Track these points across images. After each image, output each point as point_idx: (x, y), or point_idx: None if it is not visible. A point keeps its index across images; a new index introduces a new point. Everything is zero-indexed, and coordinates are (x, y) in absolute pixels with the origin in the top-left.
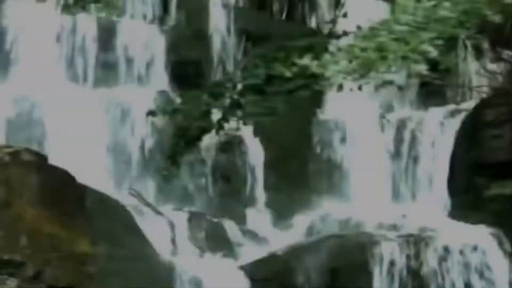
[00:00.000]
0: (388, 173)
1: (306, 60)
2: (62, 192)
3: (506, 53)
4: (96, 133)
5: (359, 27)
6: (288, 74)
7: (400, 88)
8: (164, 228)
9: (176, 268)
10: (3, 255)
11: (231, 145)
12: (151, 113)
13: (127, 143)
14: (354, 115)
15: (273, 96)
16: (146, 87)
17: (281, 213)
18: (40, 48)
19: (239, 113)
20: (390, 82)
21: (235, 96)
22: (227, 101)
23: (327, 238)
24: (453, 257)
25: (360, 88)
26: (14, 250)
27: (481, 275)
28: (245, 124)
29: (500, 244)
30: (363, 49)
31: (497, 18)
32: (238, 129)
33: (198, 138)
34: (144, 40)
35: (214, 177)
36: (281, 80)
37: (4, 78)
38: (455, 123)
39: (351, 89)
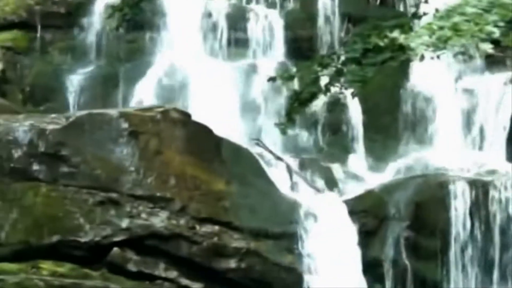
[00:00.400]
0: (461, 127)
1: (395, 33)
2: (203, 143)
3: None
4: (229, 96)
5: (436, 10)
6: (381, 43)
7: (470, 57)
8: (284, 171)
9: (295, 202)
10: (156, 193)
11: (336, 105)
12: (272, 79)
13: (254, 104)
14: (434, 79)
15: (368, 66)
16: (269, 59)
17: (376, 159)
18: (186, 28)
19: (342, 80)
20: (462, 53)
21: (339, 66)
22: (332, 70)
23: (413, 178)
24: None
25: (438, 57)
26: (164, 189)
27: None
28: (346, 88)
29: None
30: (441, 27)
31: None
32: (341, 92)
33: (310, 100)
34: (267, 21)
35: (323, 130)
36: (374, 53)
37: (158, 51)
38: None
39: (432, 58)
